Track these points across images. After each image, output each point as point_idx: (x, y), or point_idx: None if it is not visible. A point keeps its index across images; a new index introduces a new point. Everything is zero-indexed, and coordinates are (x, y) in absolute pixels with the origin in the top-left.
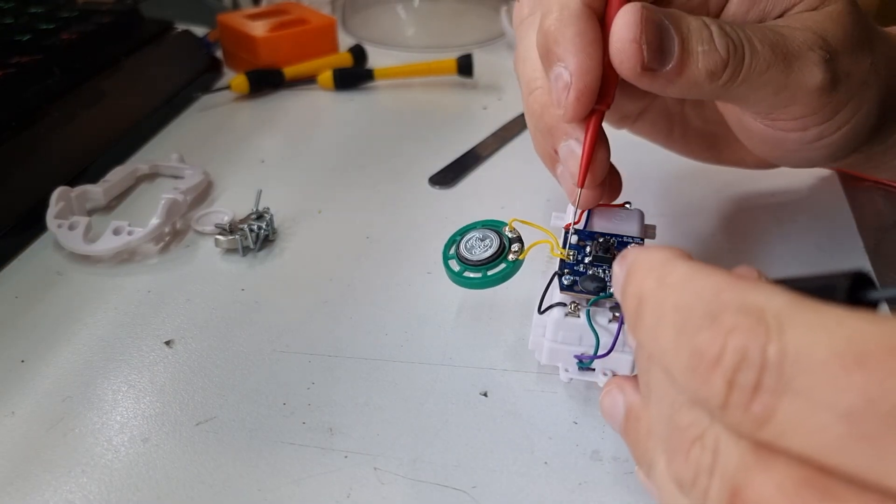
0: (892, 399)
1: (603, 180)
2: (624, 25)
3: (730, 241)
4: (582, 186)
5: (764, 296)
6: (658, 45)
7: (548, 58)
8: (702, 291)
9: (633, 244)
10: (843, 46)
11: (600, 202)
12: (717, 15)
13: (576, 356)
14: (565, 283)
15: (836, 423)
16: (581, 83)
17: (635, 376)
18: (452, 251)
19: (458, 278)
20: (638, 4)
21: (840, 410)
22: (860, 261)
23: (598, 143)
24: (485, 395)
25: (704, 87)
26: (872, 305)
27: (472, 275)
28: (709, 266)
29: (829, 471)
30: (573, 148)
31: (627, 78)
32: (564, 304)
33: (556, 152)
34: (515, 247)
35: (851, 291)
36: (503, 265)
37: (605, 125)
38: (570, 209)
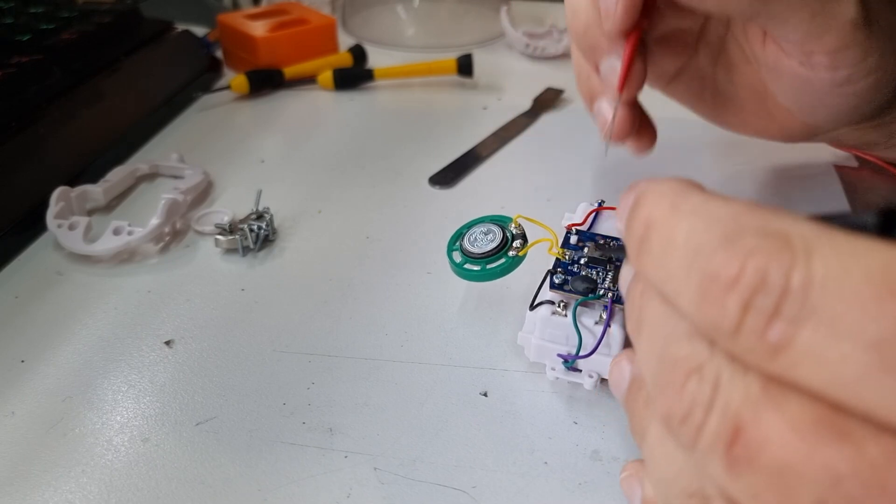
0: None
1: (636, 118)
2: None
3: None
4: (622, 91)
5: (789, 222)
6: None
7: None
8: (720, 216)
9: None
10: None
11: (632, 142)
12: None
13: (559, 355)
14: (556, 281)
15: (862, 353)
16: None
17: None
18: (457, 243)
19: (458, 269)
20: None
21: (867, 340)
22: None
23: (636, 59)
24: (485, 395)
25: (744, 2)
26: None
27: (471, 267)
28: (726, 196)
29: (845, 409)
30: (614, 64)
31: None
32: (553, 303)
33: (597, 70)
34: (517, 243)
35: (884, 228)
36: (503, 260)
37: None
38: (580, 210)
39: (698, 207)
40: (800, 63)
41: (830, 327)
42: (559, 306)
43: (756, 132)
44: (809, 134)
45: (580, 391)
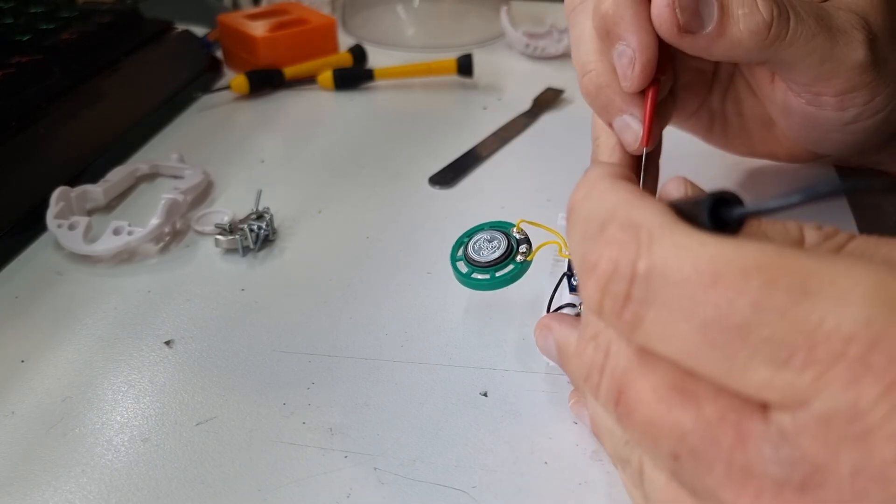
0: (740, 314)
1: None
2: None
3: None
4: (646, 145)
5: (646, 214)
6: (693, 9)
7: (609, 38)
8: (605, 205)
9: None
10: (882, 34)
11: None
12: None
13: None
14: (574, 284)
15: (694, 332)
16: (644, 57)
17: (562, 314)
18: (460, 253)
19: (466, 280)
20: None
21: (696, 322)
22: None
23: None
24: (485, 395)
25: (750, 47)
26: (740, 222)
27: (480, 276)
28: (628, 183)
29: (695, 375)
30: (628, 122)
31: (668, 40)
32: (574, 306)
33: (611, 126)
34: (523, 248)
35: (718, 208)
36: (511, 266)
37: None
38: None
39: (599, 195)
40: (807, 102)
41: (670, 310)
42: (580, 309)
43: (763, 156)
44: (815, 158)
45: None
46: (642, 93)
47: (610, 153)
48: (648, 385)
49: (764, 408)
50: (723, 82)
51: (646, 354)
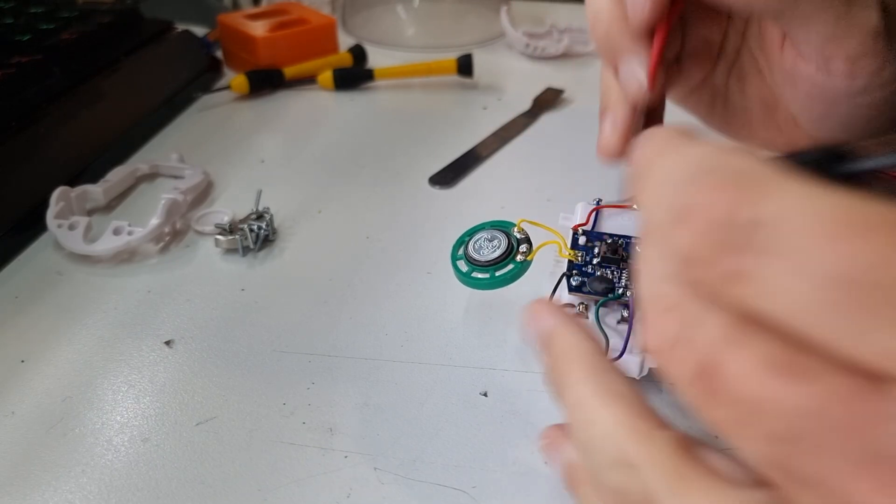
0: (870, 271)
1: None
2: None
3: None
4: (652, 89)
5: (747, 161)
6: None
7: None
8: (693, 156)
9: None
10: (892, 5)
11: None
12: None
13: None
14: (573, 284)
15: (811, 289)
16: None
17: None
18: (461, 252)
19: (466, 279)
20: None
21: (816, 277)
22: None
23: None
24: (485, 395)
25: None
26: (850, 179)
27: (480, 275)
28: (706, 139)
29: (804, 341)
30: (635, 68)
31: None
32: (573, 306)
33: (616, 72)
34: (523, 247)
35: (828, 162)
36: (511, 266)
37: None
38: (578, 210)
39: (676, 150)
40: (817, 68)
41: (782, 261)
42: (580, 309)
43: (763, 144)
44: (827, 132)
45: None
46: (651, 42)
47: (617, 105)
48: (749, 357)
49: (891, 381)
50: (729, 57)
51: (744, 323)
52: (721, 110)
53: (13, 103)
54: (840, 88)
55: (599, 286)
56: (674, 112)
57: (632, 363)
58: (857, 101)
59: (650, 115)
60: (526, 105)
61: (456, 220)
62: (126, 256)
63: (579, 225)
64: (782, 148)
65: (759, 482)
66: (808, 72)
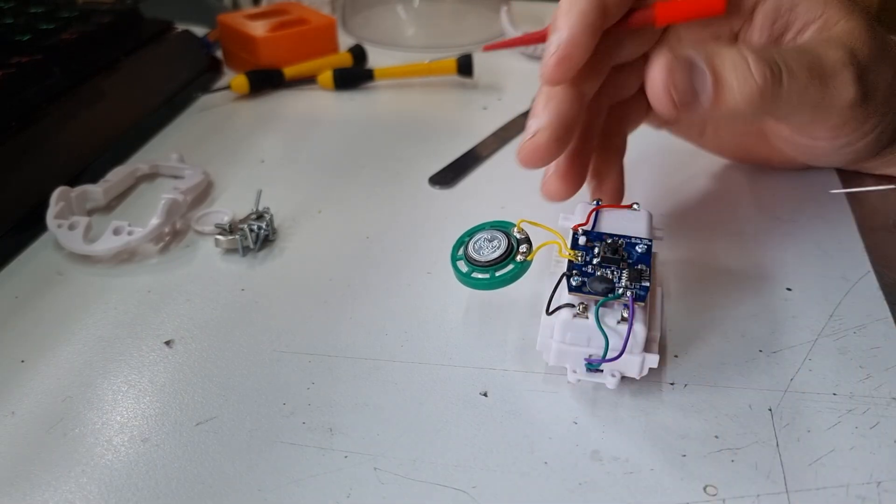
0: None
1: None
2: (654, 74)
3: (730, 239)
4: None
5: None
6: (688, 86)
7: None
8: None
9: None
10: (868, 62)
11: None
12: (736, 37)
13: (585, 359)
14: (573, 284)
15: None
16: (565, 51)
17: None
18: (461, 252)
19: (466, 279)
20: (666, 54)
21: None
22: (860, 260)
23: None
24: (485, 395)
25: (744, 111)
26: None
27: (480, 276)
28: None
29: None
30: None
31: (666, 117)
32: (573, 306)
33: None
34: (523, 248)
35: None
36: (511, 266)
37: (644, 126)
38: (578, 210)
39: None
40: (800, 136)
41: None
42: (580, 309)
43: (757, 162)
44: (809, 168)
45: (580, 391)
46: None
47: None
48: None
49: None
50: None
51: None
52: (712, 136)
53: (13, 103)
54: (824, 147)
55: (599, 286)
56: None
57: (632, 363)
58: (841, 151)
59: (607, 147)
60: (526, 105)
61: (456, 220)
62: (126, 256)
63: (579, 225)
64: (776, 166)
65: None
66: (792, 137)
